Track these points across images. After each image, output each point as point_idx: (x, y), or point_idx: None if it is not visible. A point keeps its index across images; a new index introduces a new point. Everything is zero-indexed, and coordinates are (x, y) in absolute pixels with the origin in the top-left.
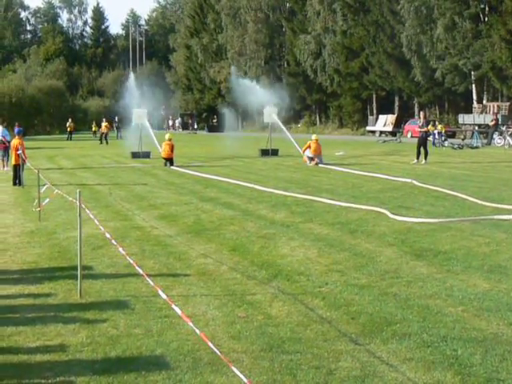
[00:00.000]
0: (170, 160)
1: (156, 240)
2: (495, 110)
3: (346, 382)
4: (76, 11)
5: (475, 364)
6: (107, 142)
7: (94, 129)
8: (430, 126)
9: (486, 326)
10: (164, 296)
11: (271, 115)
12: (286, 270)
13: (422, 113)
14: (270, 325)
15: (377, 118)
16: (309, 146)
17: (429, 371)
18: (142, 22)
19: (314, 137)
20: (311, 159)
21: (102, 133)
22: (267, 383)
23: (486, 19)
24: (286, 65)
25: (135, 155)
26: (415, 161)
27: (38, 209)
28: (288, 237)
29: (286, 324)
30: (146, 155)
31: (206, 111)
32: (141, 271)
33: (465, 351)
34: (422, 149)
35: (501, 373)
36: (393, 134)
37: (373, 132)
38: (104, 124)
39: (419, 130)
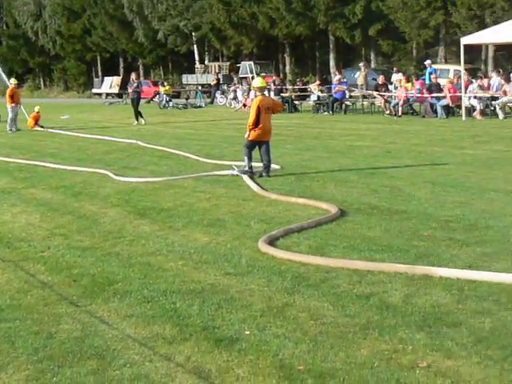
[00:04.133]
0: None
1: None
2: (217, 70)
3: (66, 344)
4: None
5: (193, 315)
6: None
7: None
8: (160, 87)
9: (204, 277)
10: None
11: None
12: (6, 238)
13: (133, 74)
14: None
15: (102, 81)
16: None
17: (148, 325)
18: None
19: (36, 109)
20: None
21: None
22: None
23: None
24: (5, 27)
25: None
26: (135, 122)
27: None
28: (9, 203)
29: (6, 292)
30: None
31: None
32: None
33: (183, 303)
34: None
35: (216, 320)
36: (119, 95)
37: (99, 94)
38: None
39: (131, 90)
